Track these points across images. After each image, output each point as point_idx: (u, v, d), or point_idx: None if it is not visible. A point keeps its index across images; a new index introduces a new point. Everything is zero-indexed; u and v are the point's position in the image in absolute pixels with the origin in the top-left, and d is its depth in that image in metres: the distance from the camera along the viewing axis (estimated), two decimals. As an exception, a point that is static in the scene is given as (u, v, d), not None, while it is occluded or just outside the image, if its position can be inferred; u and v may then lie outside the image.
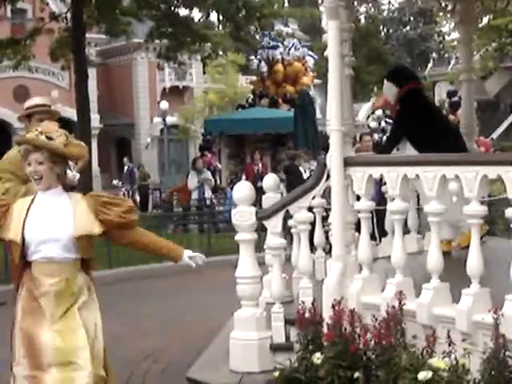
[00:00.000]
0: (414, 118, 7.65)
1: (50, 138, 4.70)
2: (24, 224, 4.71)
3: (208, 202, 21.33)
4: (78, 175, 5.34)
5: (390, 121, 37.56)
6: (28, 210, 4.76)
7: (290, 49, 30.72)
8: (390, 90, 8.04)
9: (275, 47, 30.43)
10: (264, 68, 30.40)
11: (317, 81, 33.43)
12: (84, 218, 4.75)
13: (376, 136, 29.39)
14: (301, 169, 16.91)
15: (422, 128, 7.51)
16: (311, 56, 31.34)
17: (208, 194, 21.44)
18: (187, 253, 5.09)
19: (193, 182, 21.21)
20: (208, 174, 22.02)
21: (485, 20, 18.13)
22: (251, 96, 31.17)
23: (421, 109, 7.74)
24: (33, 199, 4.84)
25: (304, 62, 30.92)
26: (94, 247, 4.96)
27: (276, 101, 29.06)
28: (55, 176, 4.77)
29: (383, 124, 37.35)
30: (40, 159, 4.68)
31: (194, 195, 21.22)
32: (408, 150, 7.51)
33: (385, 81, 8.15)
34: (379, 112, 39.63)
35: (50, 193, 4.79)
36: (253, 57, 31.69)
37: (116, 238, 5.02)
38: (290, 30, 32.15)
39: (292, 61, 30.37)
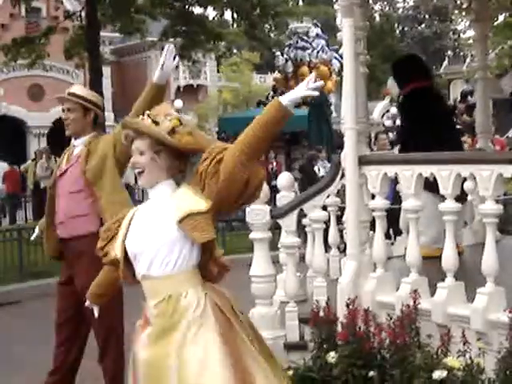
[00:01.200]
0: (410, 123, 7.59)
1: (155, 123, 3.83)
2: (126, 234, 3.92)
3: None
4: None
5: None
6: (130, 223, 3.95)
7: (318, 51, 30.57)
8: (393, 88, 8.02)
9: (304, 48, 30.28)
10: (290, 68, 30.29)
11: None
12: (186, 201, 3.76)
13: (391, 135, 29.28)
14: (315, 168, 16.89)
15: (416, 135, 7.42)
16: (337, 59, 31.13)
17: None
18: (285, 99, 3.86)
19: None
20: None
21: (500, 18, 18.05)
22: (271, 92, 31.11)
23: (420, 110, 7.54)
24: (135, 211, 4.04)
25: (330, 65, 30.78)
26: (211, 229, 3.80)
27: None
28: (164, 171, 3.87)
29: (398, 122, 37.26)
30: (141, 148, 3.85)
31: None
32: None
33: (390, 78, 8.10)
34: (394, 110, 39.55)
35: (156, 191, 3.91)
36: (278, 53, 31.56)
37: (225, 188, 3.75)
38: (313, 27, 31.90)
39: (319, 64, 30.21)
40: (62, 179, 6.00)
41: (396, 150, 10.60)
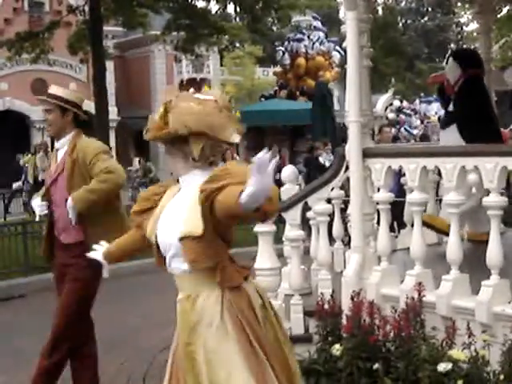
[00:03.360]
0: (471, 105, 7.57)
1: (166, 111, 3.79)
2: (158, 220, 3.87)
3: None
4: None
5: (409, 112, 37.49)
6: (166, 205, 3.90)
7: (314, 43, 30.60)
8: (453, 70, 7.86)
9: (300, 40, 30.34)
10: (287, 60, 30.36)
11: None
12: (191, 213, 3.68)
13: (393, 130, 29.26)
14: (320, 160, 16.87)
15: (477, 117, 7.42)
16: (338, 51, 31.14)
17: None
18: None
19: None
20: None
21: (504, 10, 17.98)
22: (276, 87, 31.23)
23: (479, 98, 7.60)
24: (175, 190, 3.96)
25: (329, 57, 30.77)
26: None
27: (293, 93, 29.06)
28: (185, 159, 3.80)
29: (403, 116, 37.28)
30: (169, 152, 3.89)
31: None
32: (451, 137, 7.39)
33: (450, 59, 8.00)
34: (397, 103, 39.51)
35: (185, 180, 3.85)
36: (280, 47, 31.65)
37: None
38: (312, 20, 31.92)
39: (315, 55, 30.26)
40: (55, 187, 6.10)
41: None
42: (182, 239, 3.68)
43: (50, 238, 6.20)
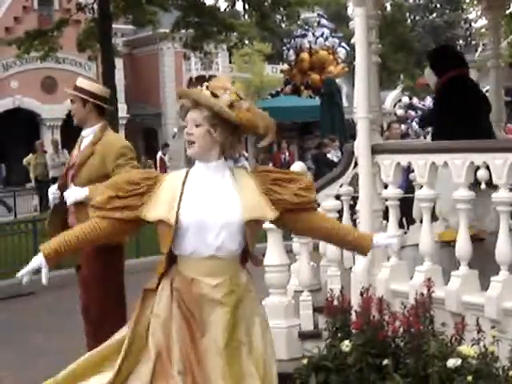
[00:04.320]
0: (446, 111, 7.52)
1: (214, 95, 3.74)
2: (180, 204, 3.74)
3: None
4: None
5: (420, 106, 37.38)
6: (183, 187, 3.80)
7: (317, 38, 30.66)
8: (430, 78, 7.89)
9: (303, 36, 30.42)
10: (292, 56, 30.44)
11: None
12: (254, 199, 3.80)
13: (403, 126, 29.22)
14: (329, 156, 16.84)
15: (451, 124, 7.31)
16: (343, 47, 31.19)
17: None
18: (379, 238, 4.16)
19: None
20: (246, 163, 21.60)
21: (512, 6, 17.95)
22: (284, 86, 31.36)
23: (456, 102, 7.45)
24: (186, 174, 3.87)
25: (333, 52, 30.80)
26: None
27: (298, 87, 29.12)
28: (217, 145, 3.79)
29: (412, 113, 37.18)
30: (198, 120, 3.76)
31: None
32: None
33: (427, 66, 8.00)
34: (406, 100, 39.43)
35: (209, 166, 3.82)
36: (287, 45, 31.79)
37: (291, 224, 4.03)
38: (319, 18, 32.01)
39: (318, 49, 30.32)
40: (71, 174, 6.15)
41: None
42: (249, 223, 3.74)
43: (65, 226, 6.14)
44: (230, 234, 3.74)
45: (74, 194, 5.92)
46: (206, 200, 3.74)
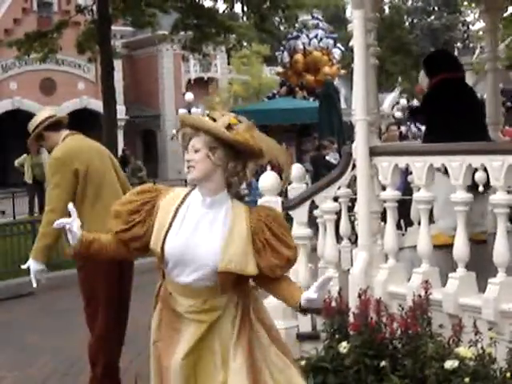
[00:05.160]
0: (433, 111, 7.52)
1: (213, 119, 3.70)
2: (167, 233, 3.72)
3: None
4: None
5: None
6: (175, 214, 3.76)
7: (311, 39, 30.72)
8: (423, 80, 7.93)
9: (297, 37, 30.50)
10: (286, 58, 30.53)
11: (341, 71, 33.33)
12: (239, 248, 3.67)
13: (403, 128, 29.25)
14: (327, 158, 16.86)
15: (440, 126, 7.27)
16: (338, 48, 31.26)
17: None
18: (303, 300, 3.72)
19: None
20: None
21: (510, 9, 17.97)
22: (280, 88, 31.47)
23: (444, 105, 7.39)
24: (184, 197, 3.81)
25: (327, 52, 30.87)
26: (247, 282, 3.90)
27: (293, 88, 29.20)
28: (218, 170, 3.70)
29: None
30: (197, 145, 3.68)
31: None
32: None
33: (421, 71, 8.05)
34: (404, 102, 39.48)
35: (205, 202, 3.74)
36: (281, 48, 31.92)
37: (258, 281, 3.90)
38: (315, 21, 32.06)
39: (312, 50, 30.41)
40: None
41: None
42: (223, 273, 3.65)
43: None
44: (205, 275, 3.67)
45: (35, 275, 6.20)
46: (190, 237, 3.68)
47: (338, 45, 31.63)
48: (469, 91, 7.82)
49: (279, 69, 33.53)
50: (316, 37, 30.97)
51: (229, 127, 3.66)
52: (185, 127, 3.74)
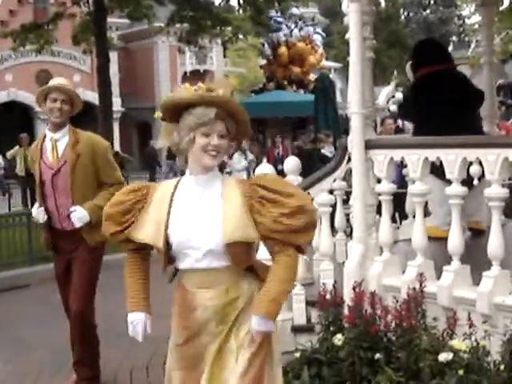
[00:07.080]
0: (416, 106, 7.51)
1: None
2: (167, 226, 3.60)
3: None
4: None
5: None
6: (171, 203, 3.64)
7: (292, 30, 30.66)
8: (409, 73, 7.98)
9: (278, 30, 30.42)
10: (268, 51, 30.49)
11: (337, 65, 33.36)
12: (237, 218, 3.53)
13: (399, 121, 29.21)
14: (323, 151, 16.86)
15: (427, 119, 7.30)
16: (318, 33, 31.22)
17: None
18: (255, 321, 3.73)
19: (240, 162, 20.14)
20: (253, 157, 21.18)
21: (506, 3, 17.97)
22: (265, 80, 31.39)
23: (429, 98, 7.39)
24: (176, 185, 3.70)
25: (309, 41, 30.85)
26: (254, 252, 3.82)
27: (281, 83, 29.18)
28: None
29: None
30: (223, 131, 3.55)
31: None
32: None
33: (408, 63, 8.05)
34: (399, 95, 39.43)
35: (199, 180, 3.62)
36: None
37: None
38: (292, 9, 31.95)
39: (295, 42, 30.36)
40: (57, 177, 6.19)
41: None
42: (230, 245, 3.53)
43: (50, 231, 6.31)
44: (215, 256, 3.56)
45: (80, 219, 6.10)
46: (191, 221, 3.57)
47: (318, 30, 31.62)
48: (456, 84, 7.59)
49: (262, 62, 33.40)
50: (296, 26, 30.91)
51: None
52: (206, 105, 3.53)
